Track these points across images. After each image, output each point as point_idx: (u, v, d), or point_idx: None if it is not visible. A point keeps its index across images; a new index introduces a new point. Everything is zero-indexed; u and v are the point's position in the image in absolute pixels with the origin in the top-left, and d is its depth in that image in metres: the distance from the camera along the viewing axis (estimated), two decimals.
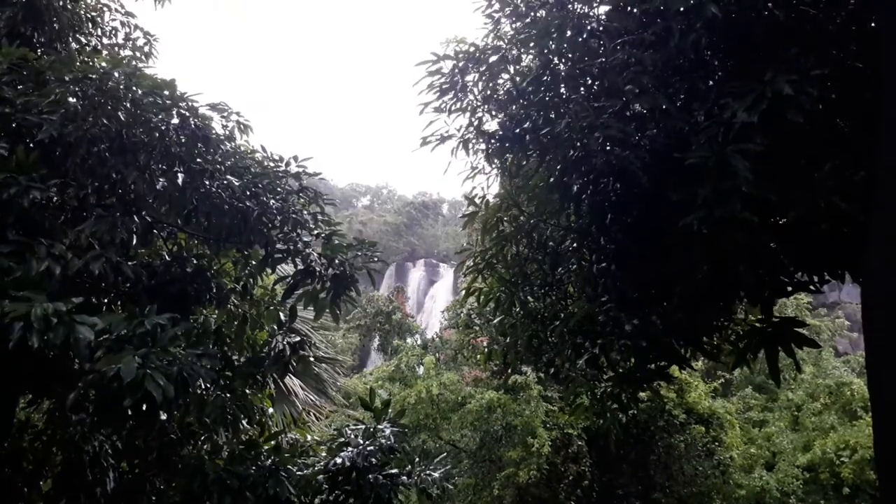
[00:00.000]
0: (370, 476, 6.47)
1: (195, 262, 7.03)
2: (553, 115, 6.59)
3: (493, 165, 8.20)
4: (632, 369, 7.83)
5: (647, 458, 19.09)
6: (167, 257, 6.97)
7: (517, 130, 6.77)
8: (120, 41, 9.28)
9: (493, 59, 7.14)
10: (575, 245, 7.83)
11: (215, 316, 7.13)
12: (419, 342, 29.12)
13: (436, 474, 6.69)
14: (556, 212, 7.87)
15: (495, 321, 8.64)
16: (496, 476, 17.91)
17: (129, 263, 6.09)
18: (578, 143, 6.46)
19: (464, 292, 9.42)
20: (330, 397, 13.87)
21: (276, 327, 7.23)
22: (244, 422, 6.78)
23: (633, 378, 7.98)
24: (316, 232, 6.79)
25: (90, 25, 8.90)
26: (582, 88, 6.70)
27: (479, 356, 19.56)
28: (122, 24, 9.24)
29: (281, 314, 7.22)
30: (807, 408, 21.88)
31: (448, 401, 18.83)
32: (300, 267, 6.62)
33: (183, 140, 5.96)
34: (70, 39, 8.62)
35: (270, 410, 7.65)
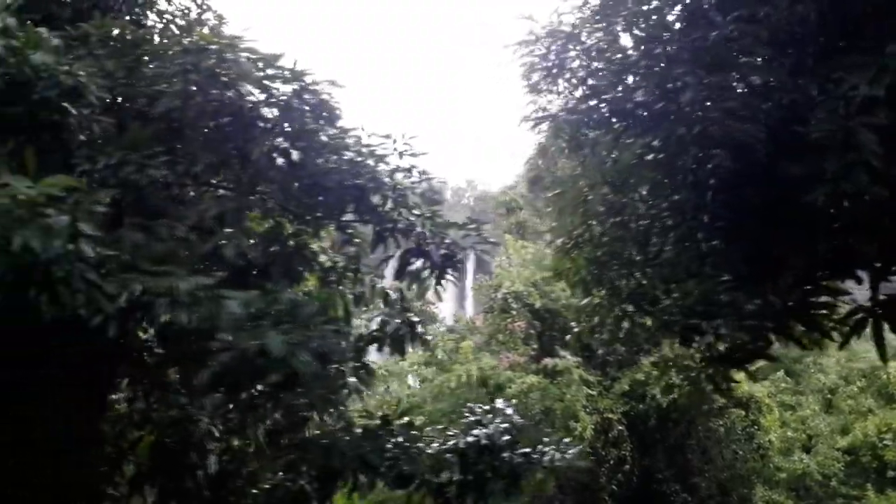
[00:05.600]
0: (505, 454, 6.37)
1: (295, 239, 6.91)
2: (669, 89, 6.43)
3: (581, 142, 8.12)
4: (730, 349, 7.71)
5: (684, 443, 19.06)
6: (268, 234, 6.83)
7: (627, 106, 6.63)
8: (192, 19, 9.12)
9: (595, 35, 7.02)
10: (671, 223, 7.69)
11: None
12: (443, 329, 28.83)
13: (569, 454, 6.59)
14: (651, 189, 7.75)
15: (582, 302, 8.54)
16: None
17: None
18: (695, 118, 6.34)
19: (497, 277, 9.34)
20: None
21: (382, 306, 7.10)
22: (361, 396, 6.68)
23: (730, 359, 7.87)
24: (417, 212, 6.66)
25: (166, 2, 8.74)
26: (697, 63, 6.55)
27: (517, 340, 19.51)
28: (197, 4, 9.08)
29: (389, 293, 7.11)
30: (842, 391, 21.84)
31: (487, 385, 18.73)
32: (410, 245, 6.49)
33: (306, 115, 5.81)
34: (149, 14, 8.48)
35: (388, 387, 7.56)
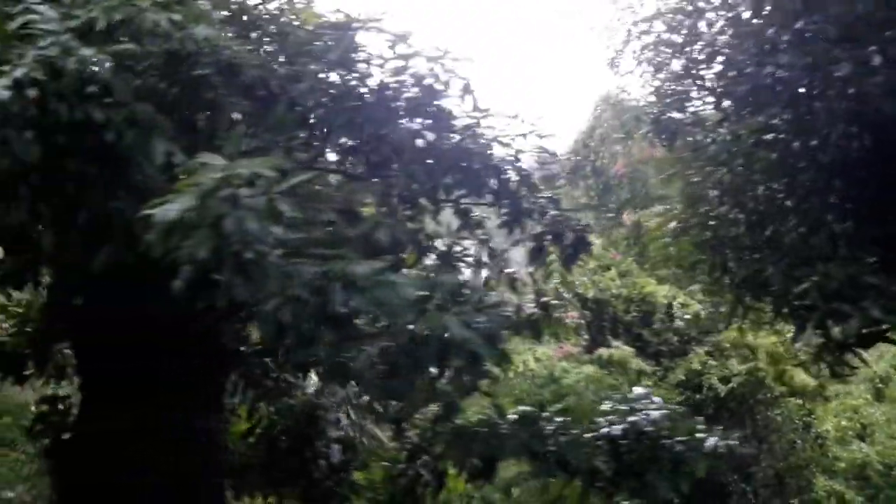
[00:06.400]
0: (665, 441, 6.19)
1: (412, 222, 6.73)
2: (808, 65, 6.22)
3: (674, 128, 7.94)
4: (847, 333, 7.48)
5: (741, 432, 18.77)
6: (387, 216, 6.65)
7: (766, 82, 6.42)
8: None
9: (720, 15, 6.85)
10: (790, 204, 7.47)
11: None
12: None
13: (731, 440, 6.40)
14: (768, 170, 7.55)
15: (695, 286, 8.39)
16: None
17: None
18: (836, 93, 6.14)
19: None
20: None
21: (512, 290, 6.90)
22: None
23: (847, 344, 7.66)
24: (548, 194, 6.48)
25: None
26: (840, 39, 6.34)
27: (570, 330, 19.27)
28: None
29: (517, 277, 6.93)
30: (895, 380, 21.50)
31: (541, 376, 18.53)
32: (538, 229, 6.32)
33: (443, 95, 5.62)
34: None
35: None
